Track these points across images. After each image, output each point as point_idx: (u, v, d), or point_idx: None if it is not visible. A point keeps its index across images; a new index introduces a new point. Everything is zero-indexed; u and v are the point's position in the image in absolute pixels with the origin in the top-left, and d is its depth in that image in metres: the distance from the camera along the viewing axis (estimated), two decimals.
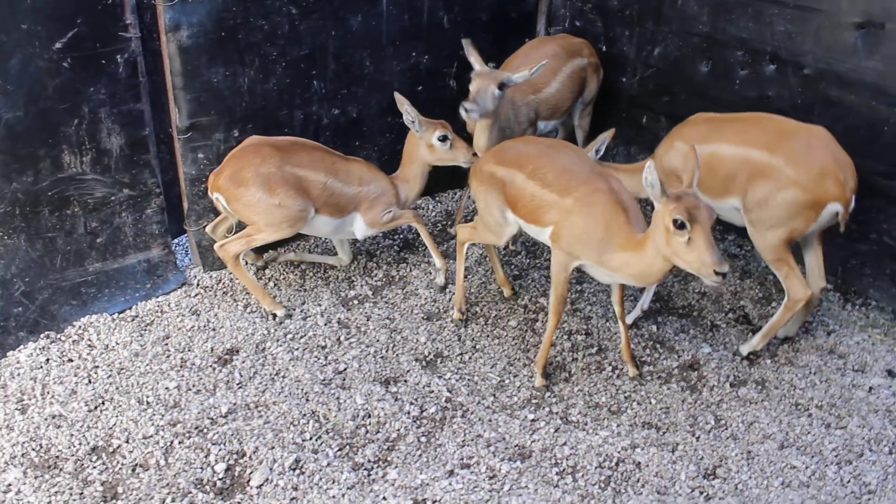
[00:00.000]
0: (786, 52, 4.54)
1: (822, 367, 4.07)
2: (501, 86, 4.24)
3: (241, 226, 4.30)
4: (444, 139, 4.39)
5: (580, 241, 3.62)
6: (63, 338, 4.07)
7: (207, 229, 4.45)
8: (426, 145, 4.42)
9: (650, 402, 3.86)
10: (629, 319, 4.35)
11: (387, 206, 4.44)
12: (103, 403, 3.69)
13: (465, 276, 4.46)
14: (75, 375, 3.83)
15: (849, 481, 3.44)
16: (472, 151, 4.44)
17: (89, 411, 3.64)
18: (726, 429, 3.72)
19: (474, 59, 4.40)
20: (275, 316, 4.28)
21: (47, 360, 3.92)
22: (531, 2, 5.47)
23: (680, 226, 3.19)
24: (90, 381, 3.81)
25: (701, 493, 3.38)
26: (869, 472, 3.47)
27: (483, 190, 4.06)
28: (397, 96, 4.39)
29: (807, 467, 3.50)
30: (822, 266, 4.10)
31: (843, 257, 4.55)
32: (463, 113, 4.16)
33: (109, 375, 3.85)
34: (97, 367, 3.89)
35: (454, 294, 4.48)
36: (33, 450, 3.43)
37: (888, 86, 4.15)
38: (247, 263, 4.56)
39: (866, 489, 3.40)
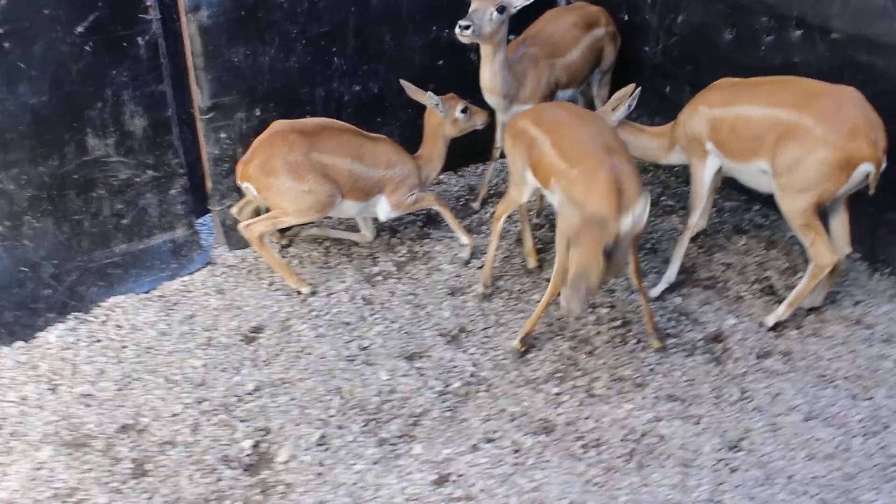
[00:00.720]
0: (813, 16, 4.45)
1: (849, 337, 4.02)
2: (501, 9, 4.22)
3: (268, 208, 4.34)
4: (465, 110, 4.48)
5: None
6: (91, 318, 4.13)
7: (233, 211, 4.49)
8: (450, 122, 4.49)
9: (674, 375, 3.85)
10: (655, 292, 4.32)
11: (411, 188, 4.47)
12: (131, 382, 3.75)
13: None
14: (104, 355, 3.90)
15: (875, 453, 3.41)
16: (486, 113, 4.59)
17: (118, 390, 3.71)
18: (751, 401, 3.70)
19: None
20: (300, 293, 4.32)
21: (76, 340, 3.99)
22: None
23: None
24: (118, 361, 3.87)
25: (726, 465, 3.38)
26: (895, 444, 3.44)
27: (512, 144, 4.13)
28: (404, 84, 4.47)
29: (832, 439, 3.47)
30: (848, 232, 4.04)
31: (871, 226, 4.47)
32: (458, 31, 4.16)
33: (137, 355, 3.91)
34: (125, 346, 3.96)
35: (480, 268, 4.49)
36: (65, 428, 3.51)
37: None
38: (271, 241, 4.59)
39: (892, 461, 3.37)
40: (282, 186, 4.12)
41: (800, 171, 3.74)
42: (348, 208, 4.37)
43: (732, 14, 4.82)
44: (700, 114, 4.12)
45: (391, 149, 4.44)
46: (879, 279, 4.41)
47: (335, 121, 4.46)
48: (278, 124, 4.27)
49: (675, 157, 4.43)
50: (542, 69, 4.69)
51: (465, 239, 4.59)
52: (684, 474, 3.33)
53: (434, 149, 4.57)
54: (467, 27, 4.14)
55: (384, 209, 4.46)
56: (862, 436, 3.49)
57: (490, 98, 4.55)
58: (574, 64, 4.88)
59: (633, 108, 4.25)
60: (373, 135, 4.46)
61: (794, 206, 3.84)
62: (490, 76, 4.43)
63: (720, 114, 4.04)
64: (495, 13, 4.20)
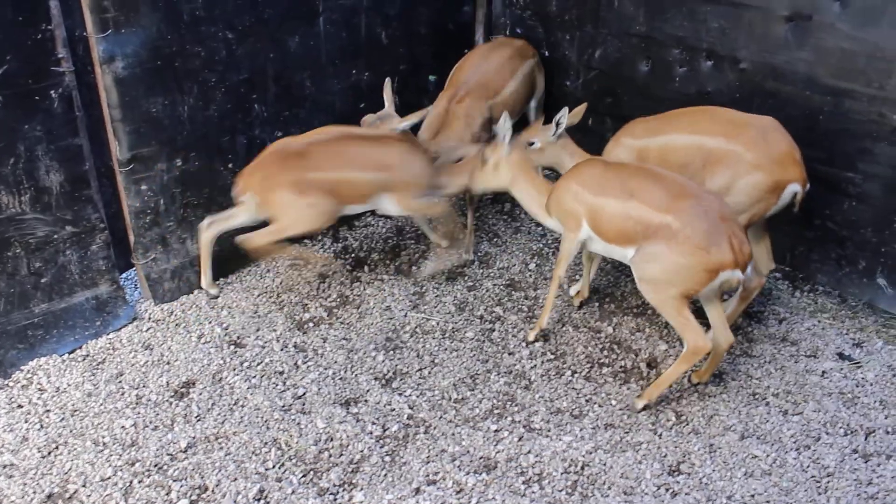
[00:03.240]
0: (721, 47, 4.62)
1: (776, 355, 4.13)
2: None
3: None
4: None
5: None
6: (11, 383, 3.96)
7: (204, 223, 4.45)
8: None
9: (611, 404, 3.88)
10: (572, 291, 4.58)
11: (421, 191, 4.46)
12: (57, 448, 3.59)
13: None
14: (26, 421, 3.73)
15: (808, 466, 3.50)
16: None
17: (42, 457, 3.54)
18: (687, 424, 3.75)
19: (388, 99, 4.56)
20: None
21: None
22: (468, 11, 5.50)
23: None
24: (42, 426, 3.71)
25: (667, 490, 3.41)
26: (827, 456, 3.53)
27: None
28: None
29: (767, 455, 3.55)
30: (769, 251, 4.23)
31: (789, 245, 4.63)
32: None
33: (62, 419, 3.76)
34: (49, 410, 3.80)
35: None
36: None
37: (820, 75, 4.24)
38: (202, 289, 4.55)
39: (825, 472, 3.46)
40: (284, 201, 4.20)
41: (732, 195, 3.91)
42: (355, 209, 4.48)
43: (647, 48, 4.98)
44: (625, 145, 4.27)
45: (399, 150, 4.40)
46: (800, 296, 4.55)
47: (337, 129, 4.43)
48: (279, 144, 4.33)
49: None
50: (475, 119, 4.74)
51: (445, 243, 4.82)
52: (627, 502, 3.34)
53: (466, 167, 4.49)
54: None
55: (392, 208, 4.49)
56: (795, 450, 3.58)
57: None
58: (511, 97, 4.97)
59: (563, 126, 4.37)
60: (384, 136, 4.43)
61: None
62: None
63: (646, 143, 4.20)
64: None
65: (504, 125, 4.06)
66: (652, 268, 3.63)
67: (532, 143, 4.45)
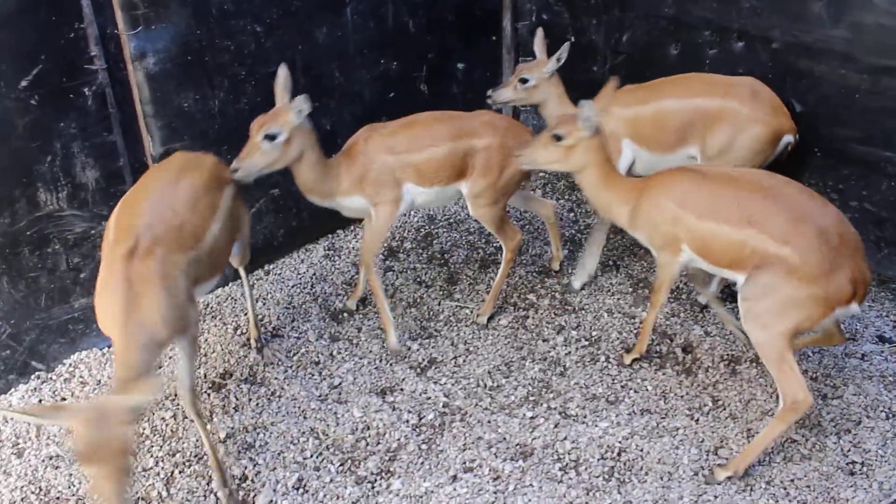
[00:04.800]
0: (753, 27, 4.55)
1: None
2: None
3: None
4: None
5: None
6: (54, 377, 4.04)
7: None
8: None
9: (647, 389, 3.87)
10: (577, 285, 4.56)
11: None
12: None
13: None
14: None
15: (849, 450, 3.46)
16: None
17: None
18: (724, 409, 3.73)
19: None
20: None
21: (40, 400, 3.89)
22: None
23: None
24: None
25: (704, 475, 3.39)
26: (868, 440, 3.49)
27: None
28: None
29: (807, 440, 3.52)
30: None
31: None
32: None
33: None
34: None
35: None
36: (33, 493, 3.41)
37: (855, 53, 4.16)
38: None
39: (866, 456, 3.42)
40: None
41: (734, 150, 4.07)
42: None
43: (676, 30, 4.92)
44: (613, 114, 4.26)
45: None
46: None
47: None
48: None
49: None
50: (175, 278, 3.11)
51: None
52: (665, 488, 3.33)
53: None
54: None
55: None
56: (835, 435, 3.54)
57: None
58: (214, 249, 3.39)
59: (562, 61, 4.43)
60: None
61: None
62: None
63: (638, 112, 4.27)
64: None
65: (587, 106, 3.53)
66: (763, 303, 3.20)
67: (526, 81, 4.44)
